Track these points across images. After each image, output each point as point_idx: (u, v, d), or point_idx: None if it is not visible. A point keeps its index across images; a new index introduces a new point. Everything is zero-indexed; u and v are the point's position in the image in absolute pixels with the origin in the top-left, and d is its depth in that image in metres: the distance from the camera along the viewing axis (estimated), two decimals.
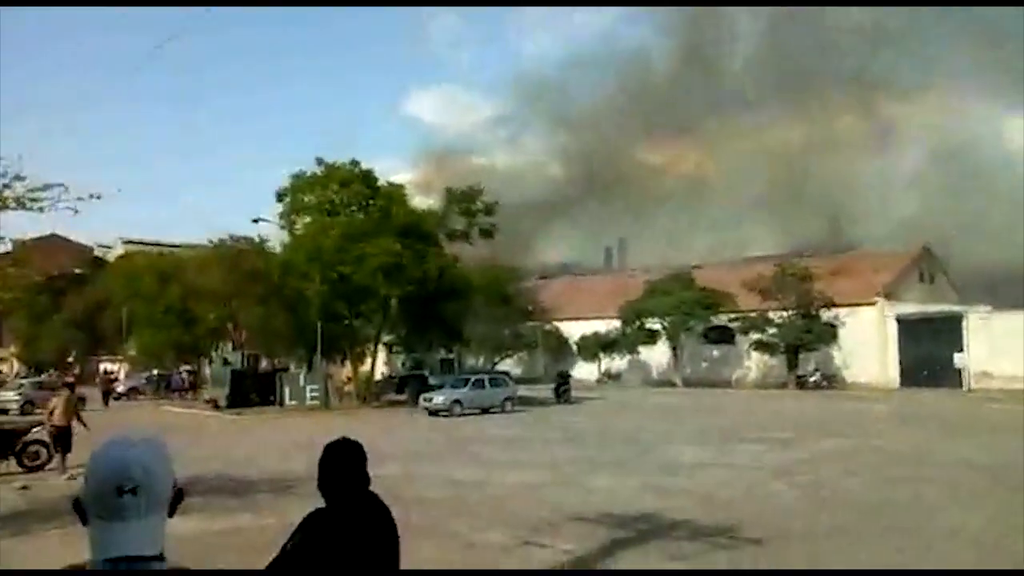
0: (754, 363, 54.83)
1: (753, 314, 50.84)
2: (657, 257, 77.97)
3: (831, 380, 49.61)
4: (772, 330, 49.86)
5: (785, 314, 49.42)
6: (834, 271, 50.58)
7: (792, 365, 50.01)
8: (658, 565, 9.26)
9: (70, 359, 73.25)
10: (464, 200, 42.84)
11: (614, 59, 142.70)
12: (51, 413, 17.38)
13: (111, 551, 1.59)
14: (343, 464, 3.30)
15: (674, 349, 55.28)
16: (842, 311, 49.86)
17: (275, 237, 45.94)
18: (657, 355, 57.33)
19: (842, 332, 50.16)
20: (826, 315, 49.63)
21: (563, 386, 41.78)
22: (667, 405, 37.80)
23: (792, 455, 18.95)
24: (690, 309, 52.31)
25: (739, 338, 53.87)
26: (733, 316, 52.45)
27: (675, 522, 11.54)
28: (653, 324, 54.72)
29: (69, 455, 16.52)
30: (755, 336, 51.11)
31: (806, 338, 48.74)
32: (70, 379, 29.16)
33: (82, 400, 18.27)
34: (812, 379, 49.04)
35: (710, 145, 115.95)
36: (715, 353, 58.21)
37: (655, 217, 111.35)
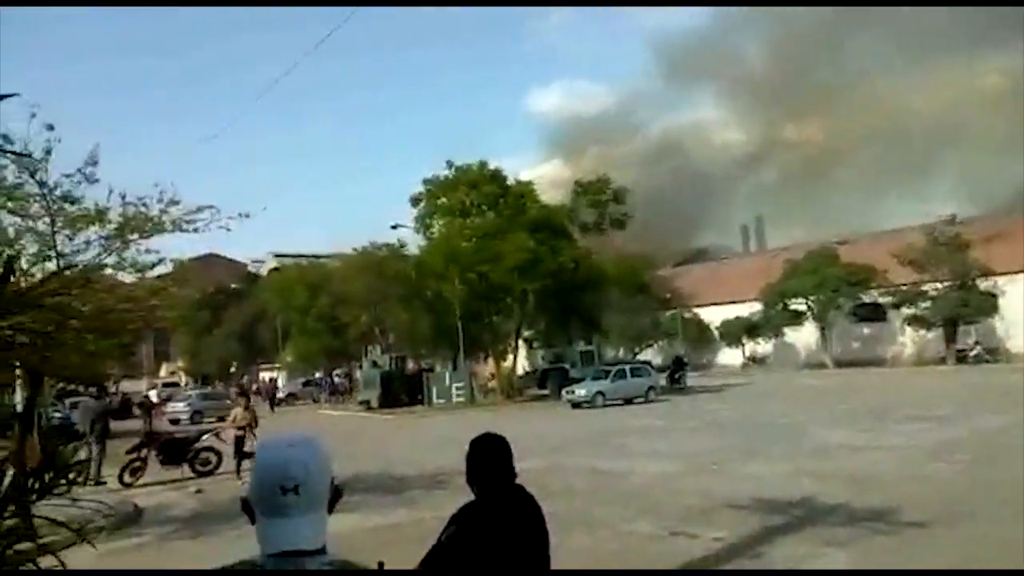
0: (908, 339, 52.32)
1: (905, 288, 48.55)
2: (798, 234, 75.39)
3: (994, 353, 46.76)
4: (926, 304, 47.46)
5: (939, 286, 47.00)
6: (988, 237, 47.44)
7: (950, 339, 47.48)
8: (814, 551, 9.09)
9: (232, 369, 77.59)
10: (593, 191, 42.87)
11: (757, 20, 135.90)
12: (234, 420, 18.66)
13: (277, 546, 1.70)
14: (489, 457, 3.44)
15: (822, 329, 53.39)
16: (1001, 279, 46.96)
17: (413, 241, 47.26)
18: (804, 336, 55.52)
19: (1002, 302, 47.20)
20: (984, 284, 46.87)
21: (677, 371, 41.01)
22: (816, 387, 36.67)
23: (952, 434, 18.08)
24: (836, 287, 50.29)
25: (891, 314, 51.54)
26: (883, 291, 50.25)
27: (830, 507, 11.29)
28: (798, 304, 53.04)
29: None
30: (908, 311, 48.78)
31: (963, 311, 46.12)
32: (238, 388, 30.95)
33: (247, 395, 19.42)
34: (973, 353, 46.38)
35: (863, 107, 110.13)
36: (866, 331, 55.85)
37: (793, 192, 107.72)
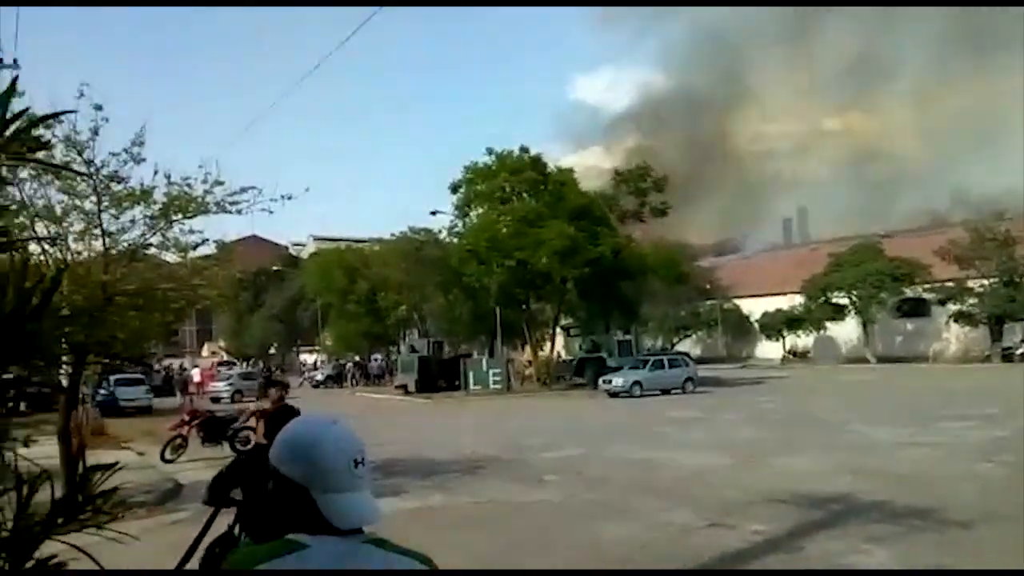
0: (953, 336, 51.46)
1: (950, 284, 47.70)
2: (840, 228, 74.22)
3: None
4: (972, 300, 46.62)
5: (986, 282, 46.09)
6: None
7: (996, 337, 46.58)
8: (852, 547, 8.95)
9: (271, 351, 78.52)
10: (634, 179, 42.63)
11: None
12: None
13: (352, 521, 1.66)
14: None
15: (864, 324, 52.66)
16: None
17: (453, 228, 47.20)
18: (846, 331, 54.83)
19: None
20: None
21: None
22: (858, 382, 36.21)
23: (998, 433, 17.70)
24: (880, 281, 49.59)
25: (935, 310, 50.75)
26: (928, 287, 49.46)
27: (870, 503, 11.10)
28: (840, 299, 52.36)
29: None
30: (953, 307, 47.95)
31: (1011, 307, 45.21)
32: (263, 378, 30.80)
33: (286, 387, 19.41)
34: (1019, 351, 45.45)
35: (909, 98, 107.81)
36: (909, 327, 55.07)
37: (837, 184, 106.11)
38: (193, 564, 4.40)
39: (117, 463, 1.76)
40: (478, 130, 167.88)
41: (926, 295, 50.47)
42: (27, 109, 1.73)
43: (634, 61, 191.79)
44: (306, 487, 1.67)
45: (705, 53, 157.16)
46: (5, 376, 1.72)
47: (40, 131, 1.78)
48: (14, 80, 1.76)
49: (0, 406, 1.68)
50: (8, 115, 1.64)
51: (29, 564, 1.53)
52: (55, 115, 2.18)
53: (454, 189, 42.81)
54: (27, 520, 1.55)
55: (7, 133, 1.64)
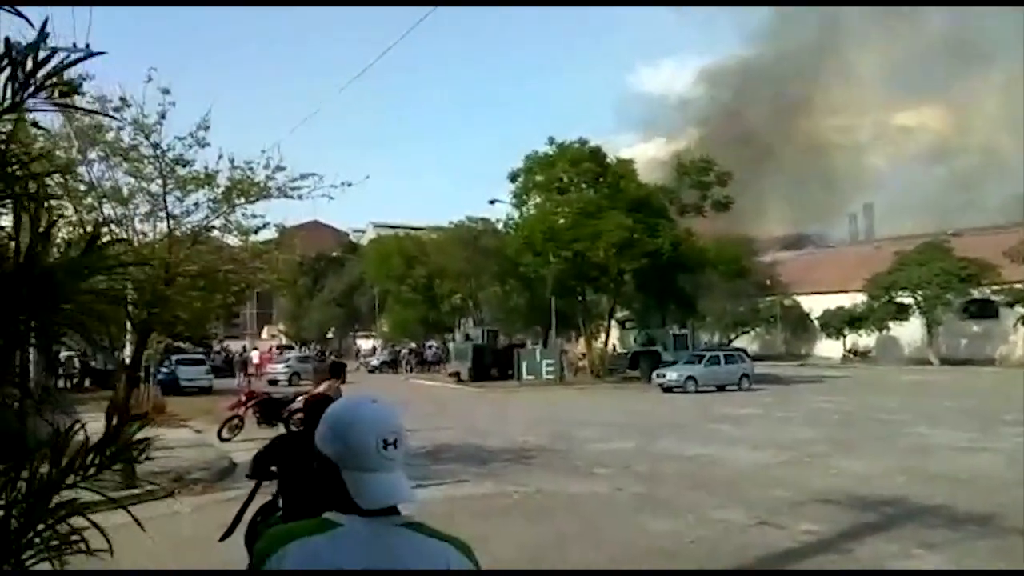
0: (1021, 339, 49.91)
1: (1019, 285, 46.33)
2: (907, 225, 72.31)
3: None
4: None
5: None
6: None
7: None
8: (907, 552, 8.78)
9: (329, 335, 79.65)
10: (696, 172, 42.18)
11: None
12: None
13: (379, 501, 1.67)
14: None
15: (928, 325, 51.39)
16: None
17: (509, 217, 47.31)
18: (909, 331, 53.51)
19: None
20: None
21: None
22: (920, 384, 35.39)
23: None
24: (946, 281, 48.37)
25: (1003, 312, 49.31)
26: (996, 288, 48.11)
27: (927, 507, 10.86)
28: (904, 298, 51.18)
29: None
30: (1022, 310, 46.57)
31: None
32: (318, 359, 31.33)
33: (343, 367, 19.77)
34: None
35: (985, 92, 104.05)
36: (976, 329, 53.53)
37: (904, 181, 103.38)
38: (239, 533, 4.58)
39: (147, 413, 1.81)
40: (542, 121, 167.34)
41: (994, 297, 49.14)
42: (54, 52, 1.75)
43: (700, 50, 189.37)
44: (338, 465, 1.70)
45: (776, 40, 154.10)
46: (70, 354, 1.78)
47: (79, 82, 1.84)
48: (44, 24, 1.77)
49: (54, 373, 1.75)
50: (39, 59, 1.67)
51: (51, 505, 1.57)
52: (86, 57, 2.21)
53: (513, 178, 42.85)
54: (56, 469, 1.59)
55: (40, 75, 1.68)
